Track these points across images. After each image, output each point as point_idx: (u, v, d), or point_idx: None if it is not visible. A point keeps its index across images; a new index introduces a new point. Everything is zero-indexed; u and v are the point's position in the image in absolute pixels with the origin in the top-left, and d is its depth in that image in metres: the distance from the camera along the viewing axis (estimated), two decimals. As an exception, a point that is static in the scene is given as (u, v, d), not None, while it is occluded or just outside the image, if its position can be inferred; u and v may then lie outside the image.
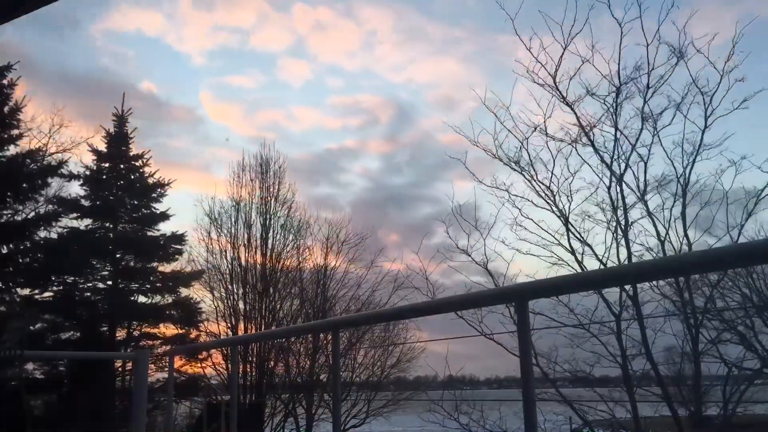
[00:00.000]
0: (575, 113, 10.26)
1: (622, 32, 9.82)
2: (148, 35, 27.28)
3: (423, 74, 34.21)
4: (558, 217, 10.30)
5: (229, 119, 32.54)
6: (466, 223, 10.59)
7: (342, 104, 34.67)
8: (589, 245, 10.08)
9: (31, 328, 14.12)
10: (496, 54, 26.28)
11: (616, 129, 10.04)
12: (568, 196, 10.25)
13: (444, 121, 12.11)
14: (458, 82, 32.80)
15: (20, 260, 14.39)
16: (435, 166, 28.05)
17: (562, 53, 10.09)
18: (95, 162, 16.52)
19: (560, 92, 10.25)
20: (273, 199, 19.21)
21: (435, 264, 11.27)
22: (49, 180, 15.20)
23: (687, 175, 9.66)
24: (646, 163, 9.91)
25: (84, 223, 16.18)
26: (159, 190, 16.76)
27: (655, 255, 9.65)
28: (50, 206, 15.47)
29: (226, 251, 18.54)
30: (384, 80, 33.51)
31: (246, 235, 18.72)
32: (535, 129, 10.34)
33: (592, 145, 10.18)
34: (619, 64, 9.94)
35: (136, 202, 16.72)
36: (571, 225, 10.19)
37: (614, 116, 10.03)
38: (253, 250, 18.69)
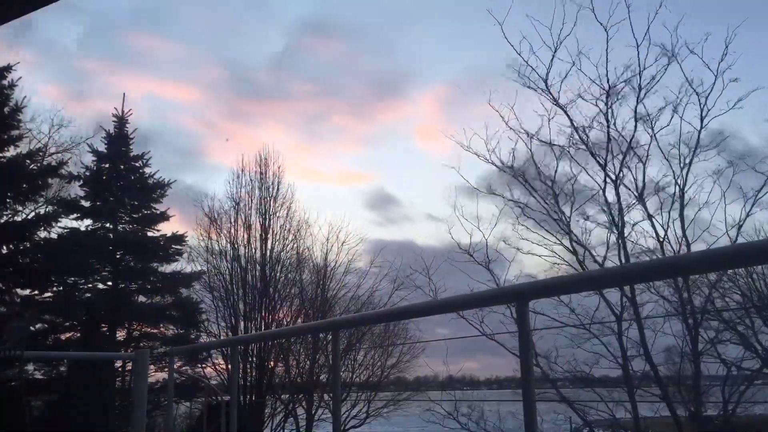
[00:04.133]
0: (568, 116, 10.30)
1: (608, 35, 9.87)
2: None
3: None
4: (558, 218, 10.31)
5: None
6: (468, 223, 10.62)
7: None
8: (585, 247, 10.10)
9: (31, 328, 14.11)
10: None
11: (609, 129, 10.06)
12: (569, 197, 10.27)
13: (438, 128, 12.13)
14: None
15: (20, 260, 14.37)
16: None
17: (552, 57, 10.14)
18: (95, 163, 16.50)
19: (552, 95, 10.29)
20: (272, 200, 19.24)
21: (437, 265, 11.31)
22: (49, 181, 15.21)
23: (684, 175, 9.69)
24: (644, 164, 9.93)
25: (84, 224, 16.16)
26: (159, 190, 16.74)
27: (654, 256, 9.65)
28: (50, 207, 15.47)
29: (226, 252, 18.57)
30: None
31: (246, 236, 18.75)
32: (532, 136, 10.37)
33: (587, 147, 10.21)
34: (606, 66, 9.99)
35: (136, 203, 16.69)
36: (572, 226, 10.21)
37: (607, 118, 10.06)
38: (253, 250, 18.72)
